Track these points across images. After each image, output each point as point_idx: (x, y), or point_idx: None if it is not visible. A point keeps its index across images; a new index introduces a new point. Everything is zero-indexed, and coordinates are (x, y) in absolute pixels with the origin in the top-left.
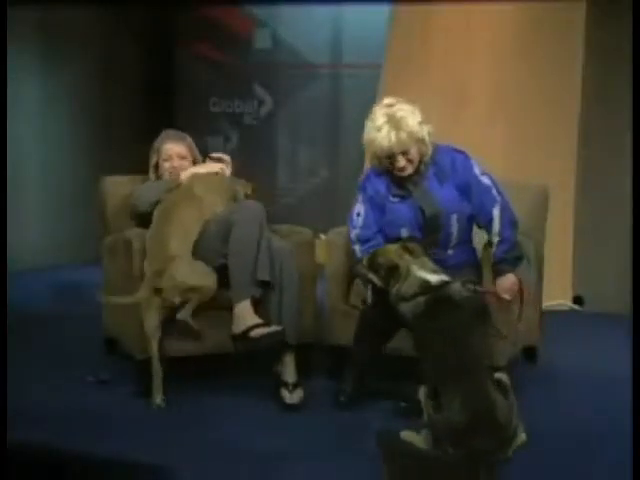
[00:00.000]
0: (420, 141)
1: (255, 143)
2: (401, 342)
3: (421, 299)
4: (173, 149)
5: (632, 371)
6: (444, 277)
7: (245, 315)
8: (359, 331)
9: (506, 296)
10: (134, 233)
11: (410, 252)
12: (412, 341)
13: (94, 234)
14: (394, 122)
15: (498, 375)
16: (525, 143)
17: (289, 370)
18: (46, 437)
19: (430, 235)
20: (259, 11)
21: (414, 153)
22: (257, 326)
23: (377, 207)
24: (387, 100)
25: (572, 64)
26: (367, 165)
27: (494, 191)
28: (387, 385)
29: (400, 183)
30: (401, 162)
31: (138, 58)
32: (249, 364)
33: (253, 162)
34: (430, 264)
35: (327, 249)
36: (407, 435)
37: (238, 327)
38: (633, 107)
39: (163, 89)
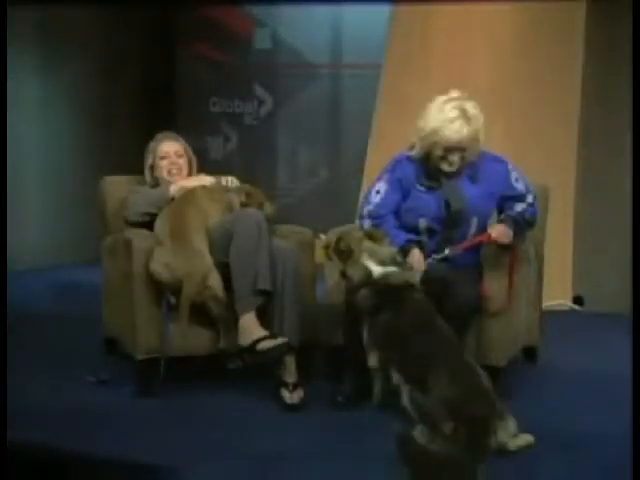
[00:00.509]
0: (478, 142)
1: (255, 143)
2: None
3: (365, 291)
4: (170, 148)
5: (632, 371)
6: (390, 268)
7: (251, 327)
8: (345, 325)
9: (496, 237)
10: (134, 233)
11: (373, 239)
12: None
13: (94, 234)
14: (467, 117)
15: None
16: (525, 143)
17: (289, 370)
18: (46, 437)
19: (448, 230)
20: (259, 11)
21: (470, 152)
22: (263, 339)
23: (400, 191)
24: (454, 93)
25: (572, 64)
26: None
27: (529, 197)
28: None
29: (432, 174)
30: (456, 157)
31: (138, 58)
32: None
33: (253, 162)
34: (386, 253)
35: (327, 249)
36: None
37: (245, 340)
38: (633, 107)
39: (163, 89)
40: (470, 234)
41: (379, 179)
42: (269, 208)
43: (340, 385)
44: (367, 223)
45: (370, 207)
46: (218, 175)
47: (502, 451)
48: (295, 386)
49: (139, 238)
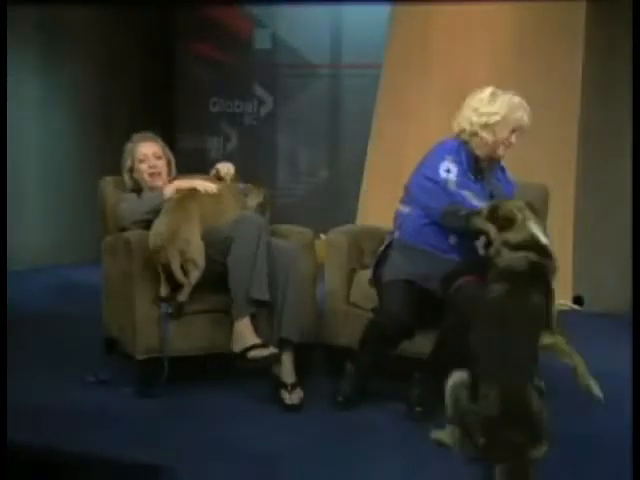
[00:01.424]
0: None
1: (255, 143)
2: (406, 344)
3: (525, 254)
4: (148, 150)
5: (632, 371)
6: (549, 241)
7: (244, 334)
8: (367, 337)
9: None
10: (134, 233)
11: (532, 210)
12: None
13: (94, 234)
14: (526, 105)
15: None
16: (525, 143)
17: (287, 370)
18: (46, 437)
19: None
20: (259, 11)
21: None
22: (255, 347)
23: (462, 174)
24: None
25: (572, 64)
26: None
27: None
28: (390, 386)
29: (477, 164)
30: (514, 139)
31: (138, 58)
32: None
33: (253, 162)
34: (543, 228)
35: (327, 249)
36: (436, 434)
37: (237, 346)
38: (633, 107)
39: (163, 89)
40: None
41: (441, 158)
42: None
43: (339, 385)
44: (467, 194)
45: (452, 182)
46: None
47: None
48: (294, 386)
49: (139, 238)
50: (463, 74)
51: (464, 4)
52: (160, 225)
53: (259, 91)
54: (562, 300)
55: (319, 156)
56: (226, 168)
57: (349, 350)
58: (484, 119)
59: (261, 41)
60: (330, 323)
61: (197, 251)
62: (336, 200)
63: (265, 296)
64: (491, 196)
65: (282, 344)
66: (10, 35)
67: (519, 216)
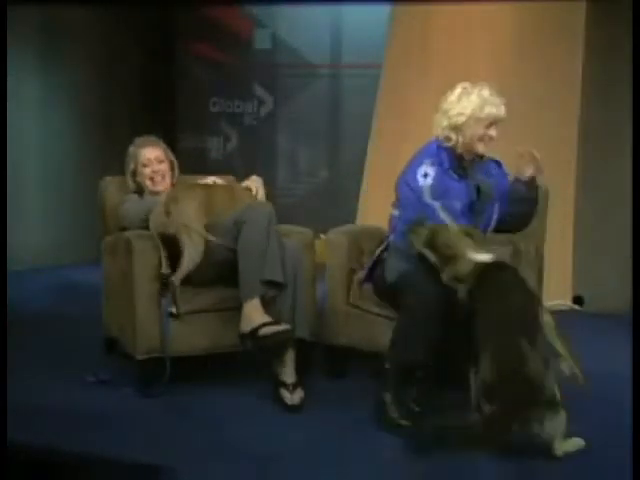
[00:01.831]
0: None
1: (255, 143)
2: None
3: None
4: (151, 154)
5: (632, 371)
6: (494, 256)
7: (254, 313)
8: (416, 313)
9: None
10: (134, 233)
11: (470, 236)
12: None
13: (94, 234)
14: (498, 95)
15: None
16: (525, 143)
17: (288, 370)
18: (46, 437)
19: (477, 216)
20: (259, 11)
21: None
22: (265, 324)
23: (442, 175)
24: (464, 84)
25: (572, 64)
26: (438, 134)
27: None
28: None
29: (460, 162)
30: (494, 132)
31: (138, 58)
32: (249, 364)
33: (253, 162)
34: (485, 244)
35: (327, 249)
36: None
37: (246, 326)
38: (633, 107)
39: (163, 89)
40: (493, 220)
41: (420, 163)
42: None
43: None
44: (437, 207)
45: (427, 188)
46: (221, 175)
47: (549, 455)
48: (295, 386)
49: (139, 238)
50: (463, 74)
51: (464, 4)
52: (162, 197)
53: (259, 91)
54: (562, 300)
55: (319, 156)
56: (260, 189)
57: (350, 350)
58: (453, 121)
59: (261, 41)
60: (330, 323)
61: (194, 223)
62: (336, 200)
63: (279, 277)
64: (478, 191)
65: (287, 345)
66: (10, 35)
67: (460, 247)
